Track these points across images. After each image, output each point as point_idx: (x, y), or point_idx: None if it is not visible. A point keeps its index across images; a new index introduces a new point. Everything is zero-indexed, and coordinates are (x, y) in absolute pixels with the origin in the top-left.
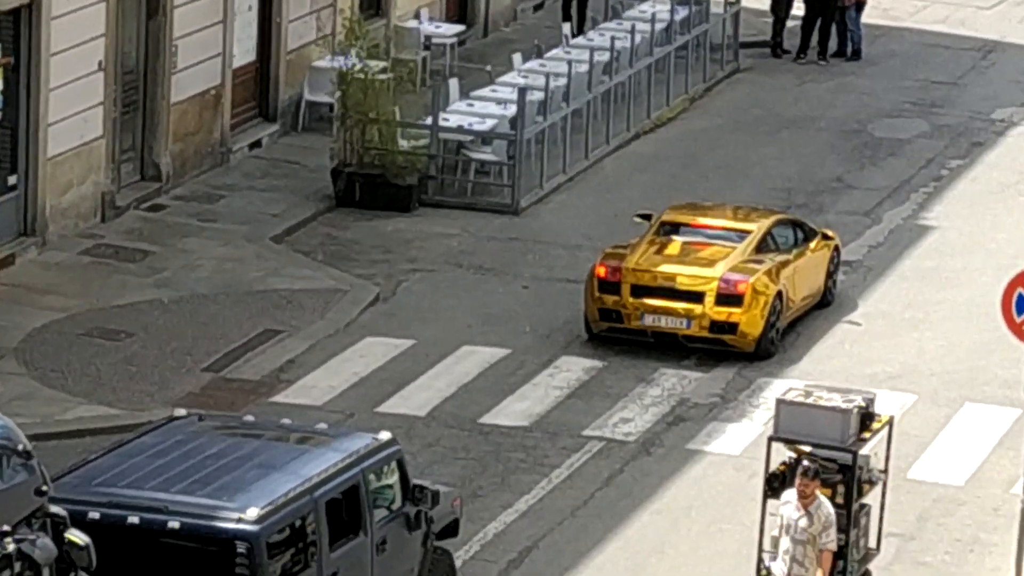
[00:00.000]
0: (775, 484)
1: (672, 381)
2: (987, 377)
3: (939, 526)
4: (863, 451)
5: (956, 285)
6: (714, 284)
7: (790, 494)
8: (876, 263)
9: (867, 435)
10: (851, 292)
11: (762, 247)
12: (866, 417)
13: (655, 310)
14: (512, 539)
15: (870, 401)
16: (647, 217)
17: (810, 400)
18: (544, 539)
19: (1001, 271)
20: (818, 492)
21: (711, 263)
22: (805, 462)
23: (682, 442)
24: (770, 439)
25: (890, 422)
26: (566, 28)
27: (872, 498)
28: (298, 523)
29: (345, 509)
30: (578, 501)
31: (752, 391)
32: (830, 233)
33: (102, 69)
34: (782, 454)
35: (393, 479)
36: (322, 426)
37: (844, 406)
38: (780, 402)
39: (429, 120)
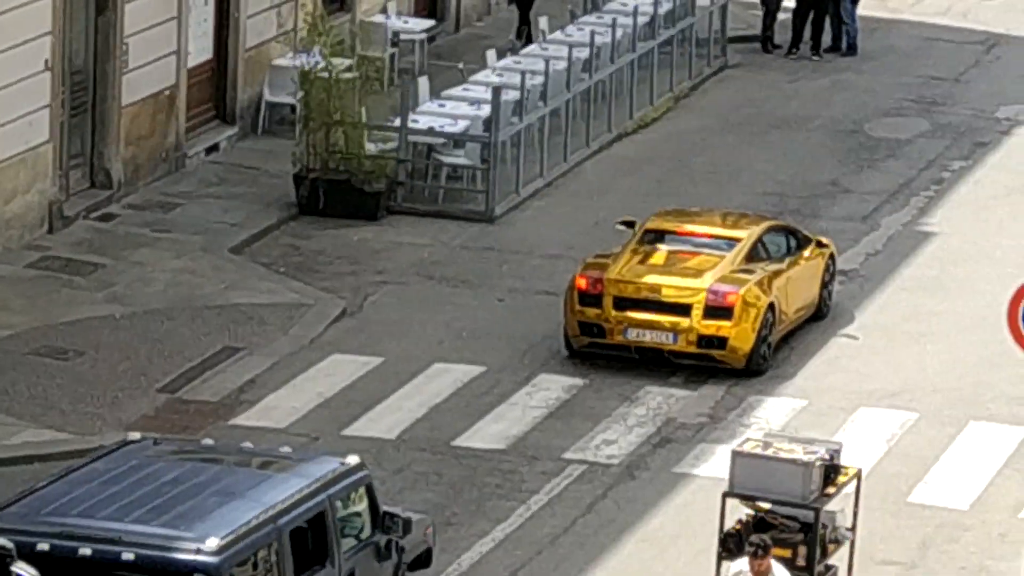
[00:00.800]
0: (730, 545)
1: (658, 400)
2: (993, 394)
3: (942, 553)
4: (828, 507)
5: (959, 295)
6: (702, 296)
7: (742, 563)
8: (874, 272)
9: (832, 490)
10: (848, 303)
11: (753, 256)
12: (831, 470)
13: (639, 324)
14: (488, 570)
15: (835, 452)
16: (630, 224)
17: (769, 452)
18: (522, 570)
19: (1007, 280)
20: (773, 563)
21: (698, 273)
22: (753, 538)
23: (669, 465)
24: (725, 495)
25: (858, 475)
26: (543, 23)
27: (840, 560)
28: (261, 554)
29: (311, 538)
30: (558, 529)
31: (743, 410)
32: (825, 240)
33: (48, 69)
34: (739, 511)
35: (361, 506)
36: (286, 450)
37: (805, 458)
38: (736, 454)
39: (397, 122)
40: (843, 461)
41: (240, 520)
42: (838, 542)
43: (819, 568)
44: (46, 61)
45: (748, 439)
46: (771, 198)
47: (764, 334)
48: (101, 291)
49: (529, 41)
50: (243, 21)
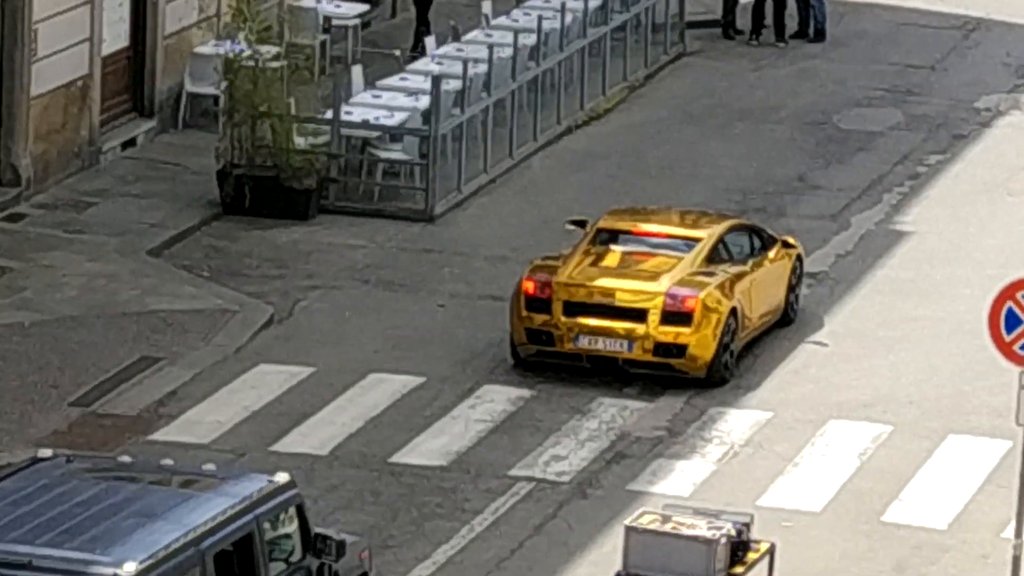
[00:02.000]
0: None
1: (611, 412)
2: (973, 405)
3: None
4: None
5: (937, 299)
6: (659, 300)
7: None
8: (844, 274)
9: (739, 569)
10: (816, 308)
11: (713, 257)
12: (738, 547)
13: (591, 331)
14: None
15: (744, 527)
16: (581, 224)
17: (668, 527)
18: None
19: (988, 283)
20: None
21: (655, 276)
22: None
23: (623, 483)
24: None
25: (771, 551)
26: (486, 7)
27: None
28: None
29: (237, 562)
30: (504, 551)
31: (703, 423)
32: (792, 240)
33: None
34: None
35: (292, 527)
36: (209, 467)
37: (709, 535)
38: (630, 530)
39: (329, 114)
40: (754, 534)
41: (160, 543)
42: None
43: None
44: None
45: (645, 512)
46: (733, 195)
47: (726, 341)
48: (8, 297)
49: (420, 47)
50: (162, 6)
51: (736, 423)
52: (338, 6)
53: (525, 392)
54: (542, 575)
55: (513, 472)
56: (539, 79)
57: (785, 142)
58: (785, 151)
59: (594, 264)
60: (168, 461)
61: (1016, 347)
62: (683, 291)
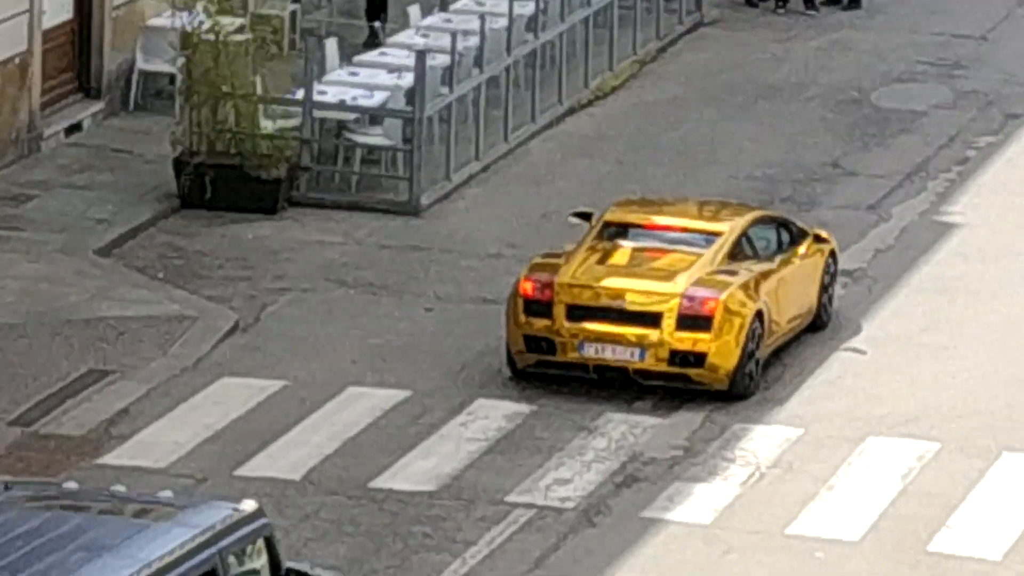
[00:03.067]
0: None
1: (621, 430)
2: None
3: None
4: None
5: (988, 299)
6: (674, 303)
7: None
8: (884, 272)
9: None
10: (852, 311)
11: (736, 254)
12: None
13: (598, 337)
14: None
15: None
16: (586, 217)
17: None
18: None
19: None
20: None
21: (670, 275)
22: None
23: (636, 509)
24: None
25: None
26: None
27: None
28: None
29: None
30: None
31: (725, 441)
32: (824, 234)
33: None
34: None
35: (260, 562)
36: (166, 495)
37: None
38: None
39: (300, 94)
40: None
41: None
42: None
43: None
44: None
45: None
46: (758, 183)
47: (751, 349)
48: None
49: (374, 37)
50: None
51: (762, 441)
52: None
53: (523, 407)
54: None
55: (511, 498)
56: (537, 53)
57: (816, 123)
58: (816, 133)
59: (601, 262)
60: (120, 488)
61: None
62: (702, 292)
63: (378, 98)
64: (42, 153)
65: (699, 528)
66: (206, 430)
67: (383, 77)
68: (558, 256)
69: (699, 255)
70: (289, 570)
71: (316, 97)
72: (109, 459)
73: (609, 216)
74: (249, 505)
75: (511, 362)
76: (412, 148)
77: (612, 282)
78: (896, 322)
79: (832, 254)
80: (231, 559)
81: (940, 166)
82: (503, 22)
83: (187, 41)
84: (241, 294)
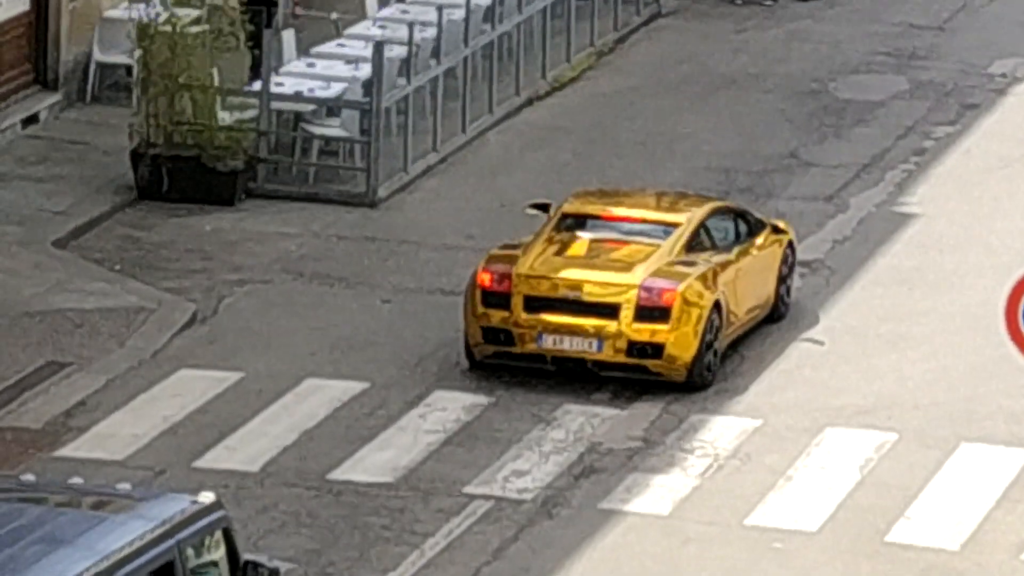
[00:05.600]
0: None
1: (579, 421)
2: (988, 409)
3: None
4: None
5: (946, 290)
6: (632, 294)
7: None
8: (842, 263)
9: None
10: (810, 301)
11: (694, 245)
12: None
13: (556, 329)
14: None
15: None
16: (544, 208)
17: None
18: None
19: (1003, 271)
20: None
21: (628, 266)
22: None
23: (594, 500)
24: None
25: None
26: None
27: None
28: None
29: None
30: None
31: (683, 432)
32: (782, 225)
33: None
34: None
35: (218, 554)
36: (124, 487)
37: None
38: None
39: (257, 86)
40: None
41: (69, 572)
42: None
43: None
44: None
45: None
46: (716, 174)
47: (709, 340)
48: None
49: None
50: None
51: (721, 432)
52: None
53: (482, 399)
54: None
55: (469, 489)
56: (495, 44)
57: (774, 114)
58: (774, 124)
59: (559, 253)
60: (77, 480)
61: None
62: (660, 283)
63: (335, 89)
64: None
65: (657, 519)
66: (164, 422)
67: (340, 68)
68: (516, 247)
69: (657, 246)
70: (247, 562)
71: (273, 89)
72: (67, 451)
73: (567, 207)
74: (207, 497)
75: (469, 354)
76: (369, 140)
77: (570, 273)
78: (854, 313)
79: (790, 245)
80: (189, 551)
81: (898, 157)
82: (460, 13)
83: (144, 33)
84: (199, 286)
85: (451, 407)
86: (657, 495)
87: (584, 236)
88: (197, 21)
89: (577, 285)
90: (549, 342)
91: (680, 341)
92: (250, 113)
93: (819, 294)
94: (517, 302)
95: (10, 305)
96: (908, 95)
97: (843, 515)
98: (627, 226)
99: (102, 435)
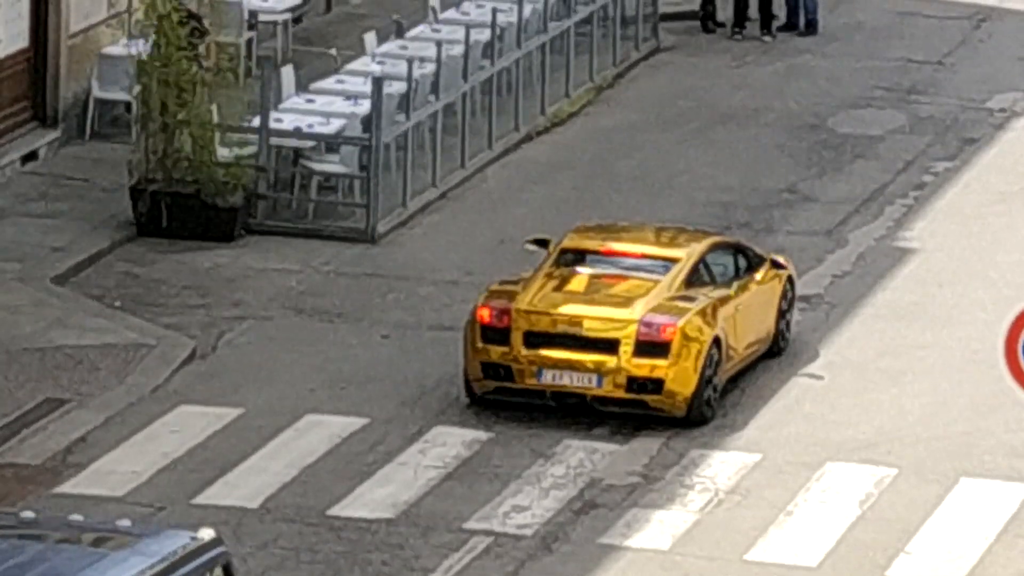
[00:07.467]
0: None
1: (579, 456)
2: (988, 444)
3: None
4: None
5: (946, 325)
6: (632, 329)
7: None
8: (842, 298)
9: None
10: (810, 336)
11: (693, 280)
12: None
13: (556, 364)
14: None
15: None
16: (543, 244)
17: None
18: None
19: (1003, 305)
20: None
21: (627, 302)
22: None
23: (594, 536)
24: None
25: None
26: None
27: None
28: None
29: None
30: None
31: (683, 467)
32: (782, 260)
33: None
34: None
35: None
36: (124, 523)
37: None
38: None
39: (256, 122)
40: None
41: None
42: None
43: None
44: None
45: None
46: (715, 209)
47: (709, 375)
48: None
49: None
50: (66, 1)
51: (720, 467)
52: (266, 0)
53: (481, 434)
54: None
55: (469, 525)
56: (494, 80)
57: (773, 149)
58: (773, 159)
59: (558, 289)
60: (77, 517)
61: None
62: (659, 319)
63: (334, 125)
64: None
65: (657, 554)
66: (164, 458)
67: (339, 104)
68: (515, 283)
69: (656, 281)
70: None
71: (272, 125)
72: (66, 488)
73: (566, 243)
74: (207, 533)
75: (469, 389)
76: (369, 175)
77: (569, 309)
78: (853, 348)
79: (790, 280)
80: None
81: (897, 191)
82: (459, 49)
83: (143, 69)
84: (198, 322)
85: (451, 443)
86: (657, 530)
87: (583, 271)
88: (196, 58)
89: (577, 321)
90: (549, 377)
91: (680, 376)
92: (249, 149)
93: (819, 329)
94: (517, 338)
95: (9, 341)
96: (907, 130)
97: (843, 550)
98: (627, 261)
99: (102, 471)
